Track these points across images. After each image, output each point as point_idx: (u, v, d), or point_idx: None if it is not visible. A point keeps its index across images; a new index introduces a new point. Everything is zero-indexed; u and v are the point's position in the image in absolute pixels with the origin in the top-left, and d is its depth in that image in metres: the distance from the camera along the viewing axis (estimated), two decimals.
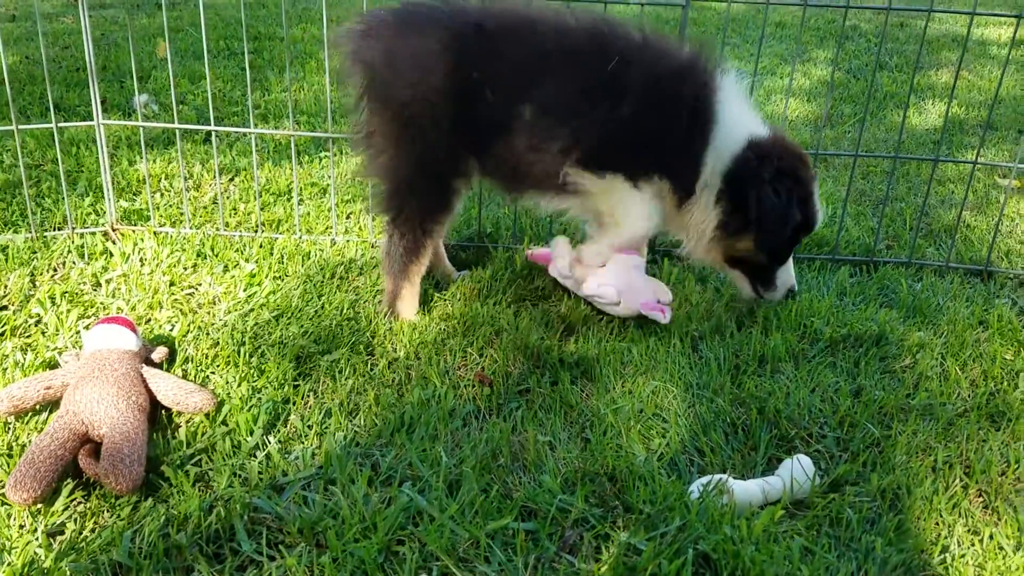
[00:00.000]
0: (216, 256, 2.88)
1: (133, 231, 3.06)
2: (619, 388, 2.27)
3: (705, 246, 2.51)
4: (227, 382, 2.22)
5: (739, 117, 2.41)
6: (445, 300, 2.68)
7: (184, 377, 2.24)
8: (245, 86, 4.84)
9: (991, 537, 1.82)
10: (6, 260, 2.78)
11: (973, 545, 1.80)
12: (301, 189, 3.46)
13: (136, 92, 3.45)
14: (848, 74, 5.66)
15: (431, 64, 2.34)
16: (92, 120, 3.04)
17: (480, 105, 2.36)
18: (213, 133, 3.20)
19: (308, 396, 2.21)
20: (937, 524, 1.85)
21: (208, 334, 2.43)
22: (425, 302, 2.65)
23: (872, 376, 2.34)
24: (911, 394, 2.26)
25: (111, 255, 2.86)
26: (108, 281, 2.69)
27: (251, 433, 2.04)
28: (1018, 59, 6.09)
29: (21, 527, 1.76)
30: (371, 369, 2.32)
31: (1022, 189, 3.68)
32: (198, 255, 2.88)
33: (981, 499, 1.94)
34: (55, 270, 2.77)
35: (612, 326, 2.56)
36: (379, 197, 2.52)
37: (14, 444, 1.97)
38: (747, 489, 1.90)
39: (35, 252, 2.85)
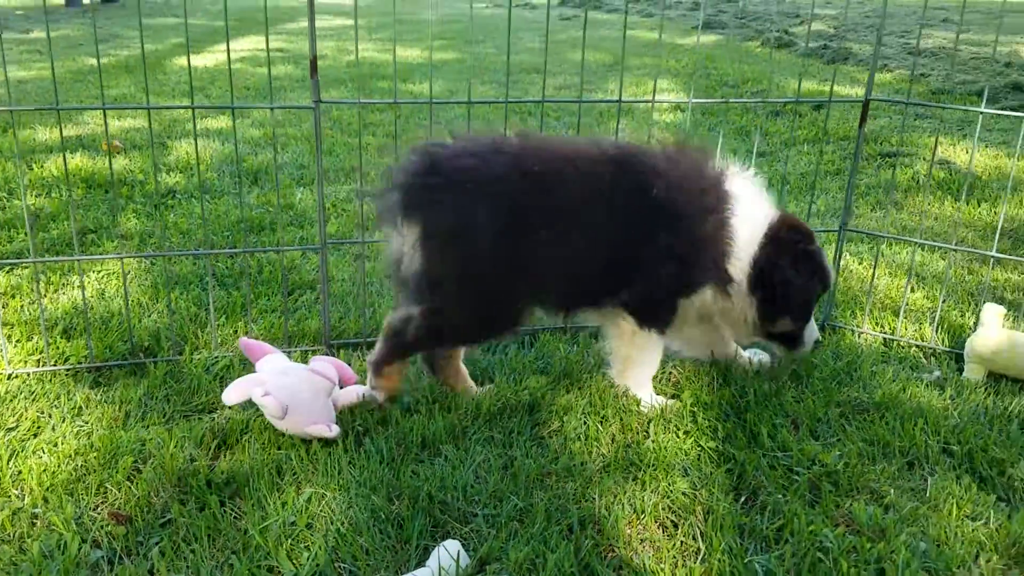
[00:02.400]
0: None
1: None
2: (272, 502, 2.19)
3: (747, 330, 2.80)
4: None
5: (754, 208, 2.67)
6: (86, 430, 2.47)
7: None
8: None
9: None
10: None
11: None
12: None
13: None
14: None
15: (485, 214, 2.44)
16: None
17: (536, 246, 2.49)
18: None
19: None
20: None
21: None
22: (62, 434, 2.42)
23: (523, 446, 2.45)
24: (556, 458, 2.39)
25: None
26: None
27: None
28: (675, 121, 6.88)
29: None
30: None
31: None
32: None
33: (613, 554, 2.07)
34: None
35: (271, 433, 2.48)
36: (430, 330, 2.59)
37: None
38: None
39: None
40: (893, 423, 2.59)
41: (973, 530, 2.14)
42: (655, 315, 2.70)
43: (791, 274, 2.68)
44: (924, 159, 5.69)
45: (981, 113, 3.12)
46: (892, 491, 2.27)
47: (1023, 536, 2.10)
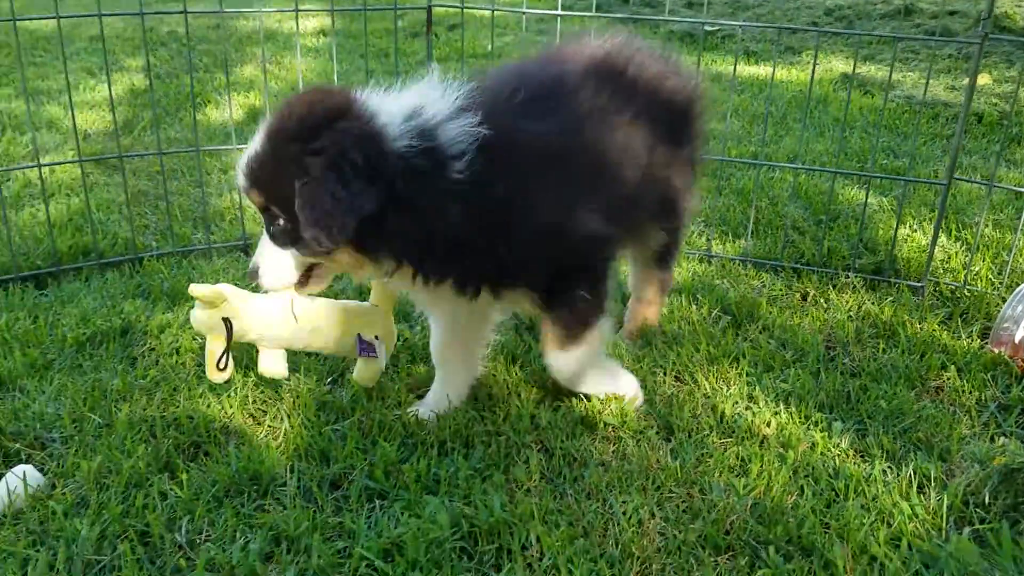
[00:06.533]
0: None
1: None
2: None
3: None
4: None
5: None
6: None
7: None
8: None
9: None
10: None
11: None
12: None
13: None
14: (159, 79, 5.75)
15: None
16: None
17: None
18: None
19: None
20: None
21: None
22: None
23: (113, 368, 2.43)
24: (146, 374, 2.40)
25: None
26: None
27: None
28: (317, 47, 6.84)
29: None
30: None
31: None
32: None
33: (197, 448, 2.15)
34: None
35: None
36: None
37: None
38: None
39: None
40: None
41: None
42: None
43: None
44: None
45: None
46: None
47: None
